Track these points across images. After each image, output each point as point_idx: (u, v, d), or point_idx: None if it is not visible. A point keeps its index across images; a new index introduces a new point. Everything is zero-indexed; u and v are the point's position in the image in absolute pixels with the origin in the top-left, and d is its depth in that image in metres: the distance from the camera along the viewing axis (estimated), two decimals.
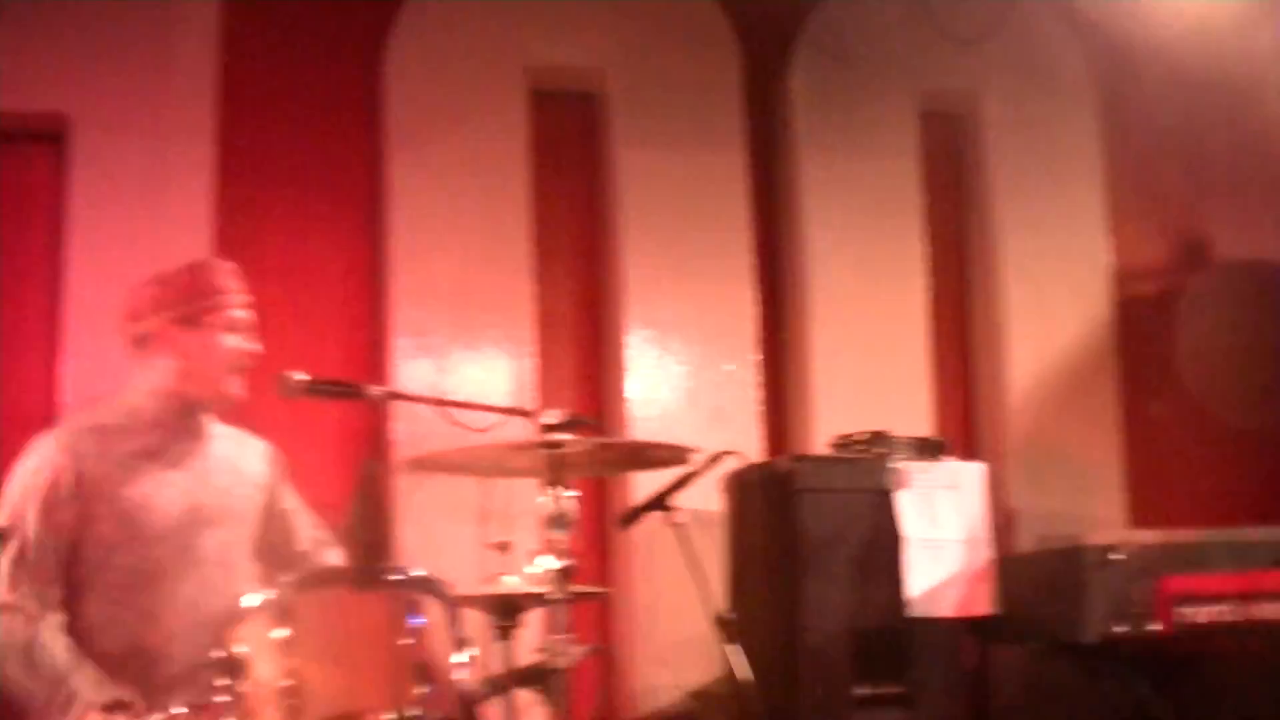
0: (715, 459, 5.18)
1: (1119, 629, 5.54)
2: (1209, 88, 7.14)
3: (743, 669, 5.00)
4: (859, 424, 6.17)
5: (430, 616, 3.83)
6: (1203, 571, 3.42)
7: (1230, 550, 5.48)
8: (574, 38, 6.70)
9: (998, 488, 6.74)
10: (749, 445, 6.42)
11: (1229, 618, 3.33)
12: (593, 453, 4.46)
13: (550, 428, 4.37)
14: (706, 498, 5.85)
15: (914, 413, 6.73)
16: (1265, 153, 7.42)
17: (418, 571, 3.84)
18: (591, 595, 5.60)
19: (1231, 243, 7.53)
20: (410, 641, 3.73)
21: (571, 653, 4.35)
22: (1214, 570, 3.38)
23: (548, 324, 6.59)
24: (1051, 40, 7.21)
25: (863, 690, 5.63)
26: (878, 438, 5.95)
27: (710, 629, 4.98)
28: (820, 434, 6.46)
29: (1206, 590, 3.33)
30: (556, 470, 4.28)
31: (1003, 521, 6.71)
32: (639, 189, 6.65)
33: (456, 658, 3.83)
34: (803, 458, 6.06)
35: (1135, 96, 7.25)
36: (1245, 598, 3.32)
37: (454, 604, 3.92)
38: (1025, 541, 6.69)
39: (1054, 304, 7.08)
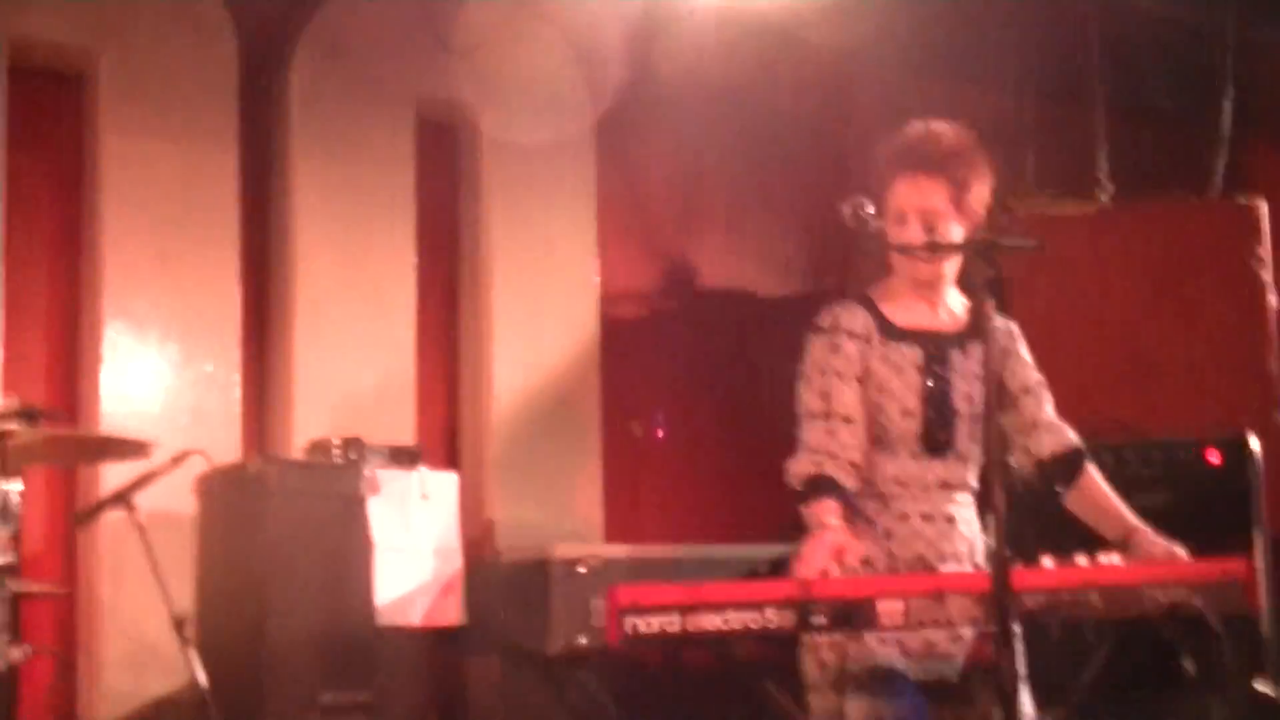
0: (179, 459, 5.04)
1: (581, 640, 5.66)
2: (703, 119, 7.34)
3: (201, 674, 4.89)
4: (342, 430, 6.12)
5: None
6: (654, 584, 3.47)
7: (687, 565, 5.69)
8: (63, 14, 6.39)
9: (478, 498, 6.79)
10: (228, 446, 6.30)
11: (673, 629, 3.38)
12: (43, 444, 4.25)
13: None
14: (179, 498, 5.72)
15: (397, 420, 6.70)
16: (752, 186, 7.68)
17: None
18: (45, 595, 5.38)
19: (716, 271, 7.76)
20: None
21: (13, 655, 4.13)
22: (666, 582, 3.45)
23: (19, 310, 6.26)
24: (552, 59, 7.30)
25: (329, 697, 5.54)
26: (352, 444, 5.90)
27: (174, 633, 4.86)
28: (300, 438, 6.37)
29: (652, 602, 3.37)
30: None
31: (481, 532, 6.76)
32: (125, 177, 6.40)
33: None
34: (274, 460, 5.94)
35: (631, 121, 7.39)
36: (687, 609, 3.38)
37: None
38: (501, 553, 6.73)
39: (542, 320, 7.18)
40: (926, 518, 3.88)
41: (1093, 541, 3.80)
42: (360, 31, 6.86)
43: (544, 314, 7.19)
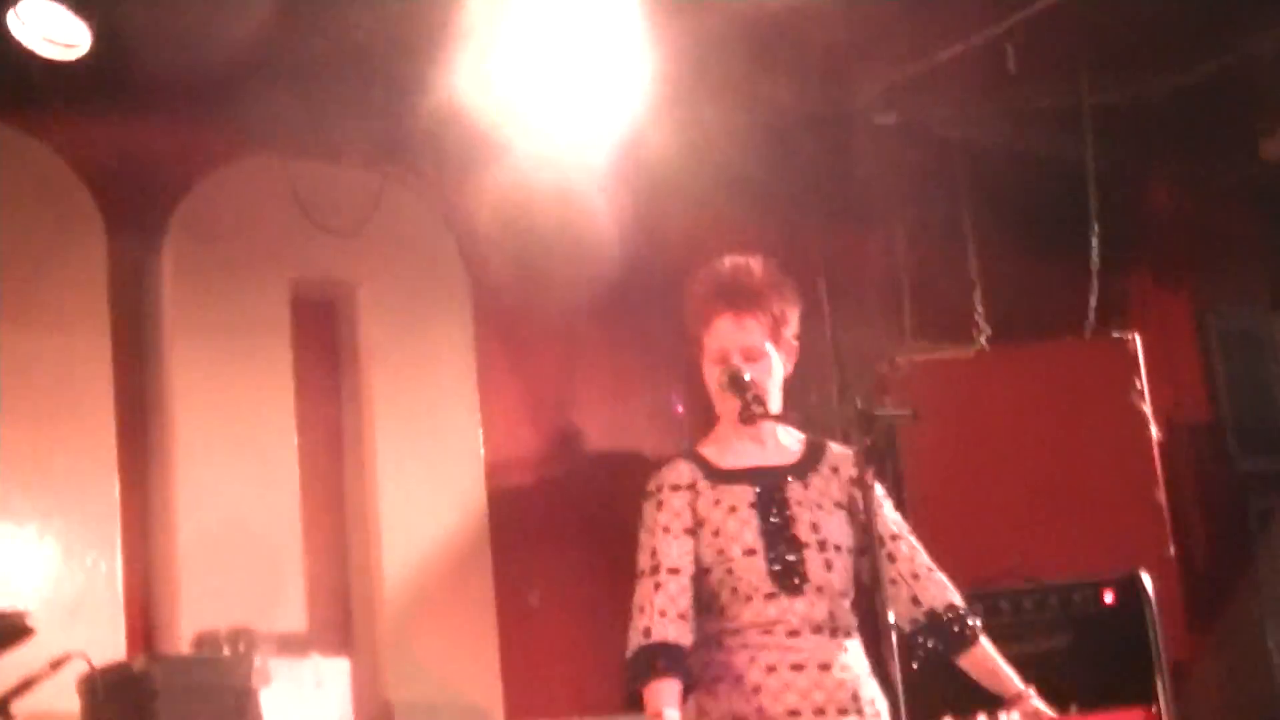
0: (58, 663, 4.90)
1: None
2: (576, 281, 7.34)
3: None
4: (229, 618, 5.97)
5: None
6: None
7: None
8: None
9: (374, 681, 6.66)
10: (113, 640, 6.15)
11: None
12: None
13: None
14: (62, 699, 5.54)
15: (288, 606, 6.56)
16: (634, 345, 7.69)
17: None
18: None
19: (602, 433, 7.72)
20: None
21: None
22: None
23: None
24: (424, 232, 7.30)
25: None
26: (240, 634, 5.76)
27: None
28: (187, 629, 6.21)
29: None
30: None
31: (379, 715, 6.62)
32: None
33: None
34: (159, 657, 5.79)
35: (507, 289, 7.37)
36: None
37: None
38: None
39: (428, 495, 7.08)
40: (796, 667, 3.75)
41: (994, 699, 3.78)
42: (231, 213, 6.83)
43: (430, 487, 7.09)
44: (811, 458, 3.97)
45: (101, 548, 6.35)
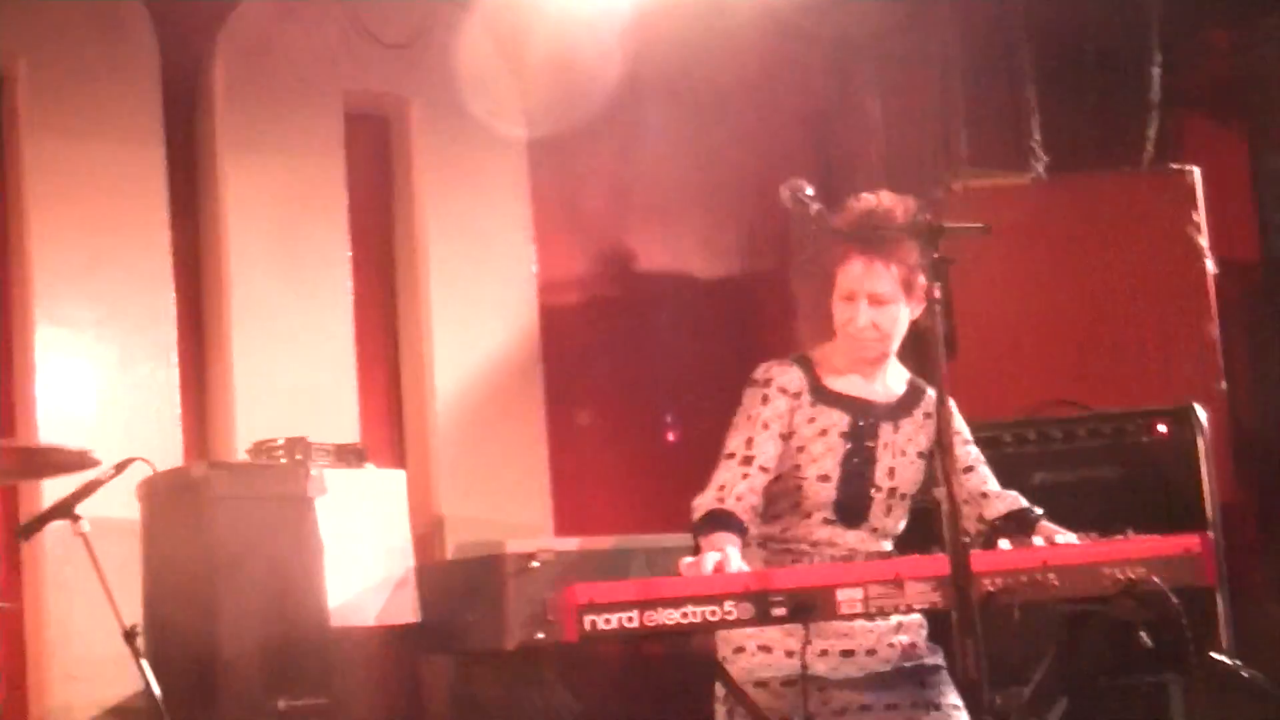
0: (122, 466, 4.97)
1: (539, 636, 5.62)
2: (630, 105, 7.31)
3: (155, 686, 4.84)
4: (283, 429, 6.06)
5: None
6: (611, 578, 3.45)
7: (640, 555, 5.67)
8: None
9: (425, 494, 6.74)
10: (170, 451, 6.23)
11: (630, 625, 3.35)
12: None
13: None
14: (123, 506, 5.64)
15: (340, 418, 6.64)
16: (687, 169, 7.66)
17: None
18: None
19: (654, 256, 7.73)
20: None
21: None
22: (622, 577, 3.42)
23: None
24: (479, 50, 7.23)
25: (284, 703, 5.46)
26: (296, 444, 5.83)
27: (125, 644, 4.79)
28: (243, 439, 6.30)
29: (608, 599, 3.34)
30: None
31: (430, 529, 6.72)
32: (50, 180, 6.29)
33: None
34: (217, 464, 5.85)
35: (560, 109, 7.32)
36: (645, 605, 3.36)
37: None
38: (453, 549, 6.69)
39: (480, 312, 7.12)
40: None
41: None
42: (283, 27, 6.79)
43: (482, 305, 7.13)
44: (910, 400, 4.03)
45: (158, 358, 6.42)
